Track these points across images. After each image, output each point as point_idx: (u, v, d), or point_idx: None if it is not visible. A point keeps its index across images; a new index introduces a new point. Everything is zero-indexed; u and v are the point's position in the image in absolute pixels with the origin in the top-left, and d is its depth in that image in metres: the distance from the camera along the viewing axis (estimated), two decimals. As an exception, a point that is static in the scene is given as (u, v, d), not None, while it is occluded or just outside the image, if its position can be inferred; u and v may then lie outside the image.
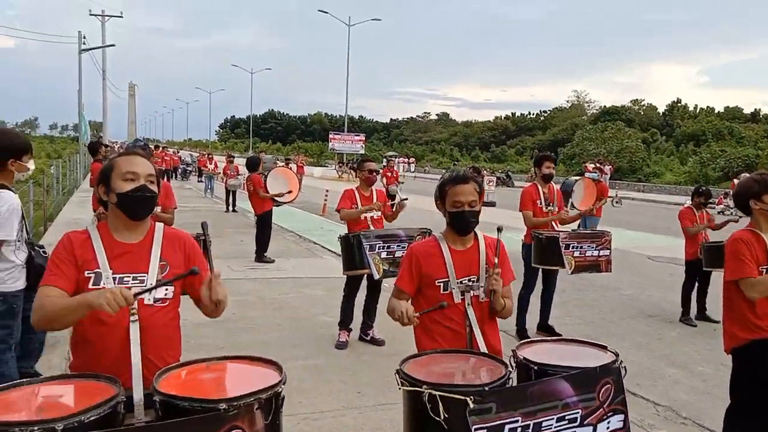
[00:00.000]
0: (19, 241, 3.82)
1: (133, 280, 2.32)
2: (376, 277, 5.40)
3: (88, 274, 2.27)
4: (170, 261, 2.41)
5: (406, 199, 6.18)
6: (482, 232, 2.99)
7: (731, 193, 25.78)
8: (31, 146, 3.85)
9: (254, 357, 2.32)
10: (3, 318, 3.82)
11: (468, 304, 2.82)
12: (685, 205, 7.80)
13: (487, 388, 2.17)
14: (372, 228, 5.93)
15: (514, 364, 2.53)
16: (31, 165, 3.84)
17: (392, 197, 17.49)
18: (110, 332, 2.26)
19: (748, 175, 3.90)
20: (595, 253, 6.08)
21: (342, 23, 45.42)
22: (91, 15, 38.50)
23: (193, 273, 2.28)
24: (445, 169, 42.92)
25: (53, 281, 2.25)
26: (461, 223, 2.85)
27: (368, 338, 5.97)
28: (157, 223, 2.49)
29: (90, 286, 2.26)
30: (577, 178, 7.88)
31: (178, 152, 41.83)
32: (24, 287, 3.89)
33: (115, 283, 2.28)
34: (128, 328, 2.25)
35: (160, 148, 32.81)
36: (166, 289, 2.38)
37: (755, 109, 61.73)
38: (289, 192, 10.04)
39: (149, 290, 2.29)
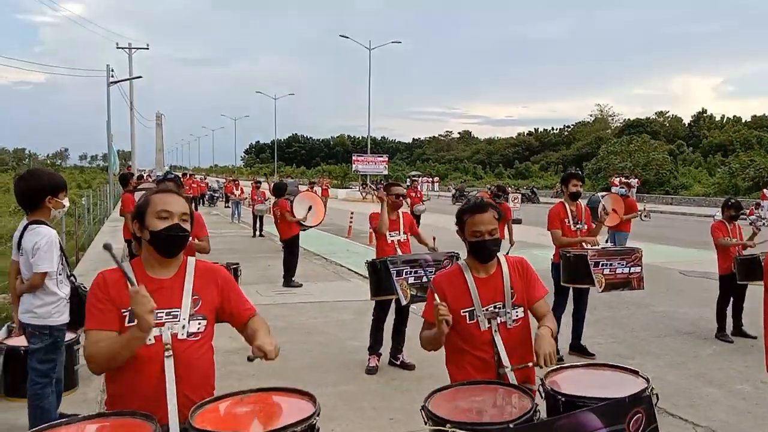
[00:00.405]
0: (60, 274, 3.93)
1: (166, 315, 2.34)
2: (404, 302, 5.40)
3: (124, 312, 2.30)
4: (202, 295, 2.43)
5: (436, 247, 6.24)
6: (504, 255, 2.98)
7: (762, 203, 25.28)
8: (65, 184, 3.97)
9: (288, 388, 2.33)
10: (48, 352, 3.90)
11: (495, 332, 2.78)
12: (716, 219, 7.66)
13: (511, 425, 2.13)
14: (399, 252, 5.96)
15: (543, 393, 2.50)
16: (66, 202, 3.96)
17: (417, 218, 17.44)
18: (145, 368, 2.28)
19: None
20: (626, 270, 5.95)
21: (363, 47, 45.92)
22: (118, 48, 39.52)
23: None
24: (456, 189, 42.68)
25: (99, 324, 2.28)
26: (483, 252, 2.84)
27: (398, 363, 5.95)
28: (189, 257, 2.53)
29: (126, 324, 2.30)
30: (604, 194, 7.80)
31: (205, 179, 42.43)
32: (68, 321, 3.98)
33: None
34: (163, 364, 2.28)
35: (188, 176, 33.33)
36: (199, 322, 2.40)
37: (784, 117, 60.71)
38: (316, 215, 10.13)
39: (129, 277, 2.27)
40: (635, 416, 2.24)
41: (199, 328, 2.40)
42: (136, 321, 2.14)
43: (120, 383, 2.33)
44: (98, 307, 2.30)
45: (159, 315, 2.33)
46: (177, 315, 2.36)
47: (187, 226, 2.42)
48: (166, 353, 2.29)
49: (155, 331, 2.31)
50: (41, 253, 3.73)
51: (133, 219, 2.45)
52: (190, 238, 2.53)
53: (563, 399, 2.41)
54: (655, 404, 2.35)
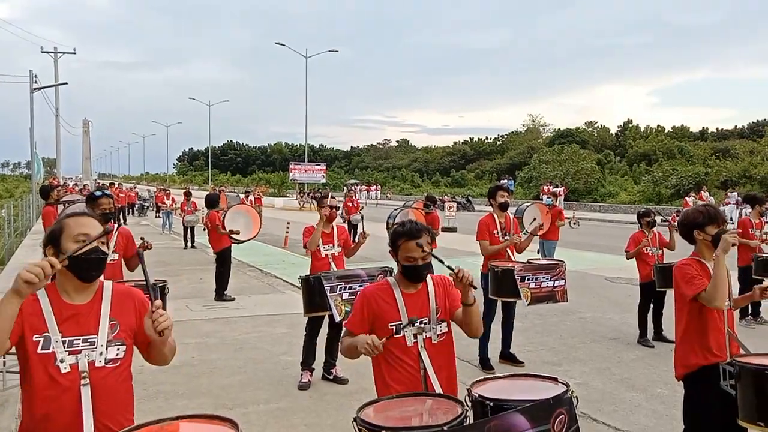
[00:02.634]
0: None
1: (83, 342, 2.27)
2: (338, 318, 5.37)
3: (36, 338, 2.22)
4: (120, 320, 2.37)
5: (367, 234, 6.19)
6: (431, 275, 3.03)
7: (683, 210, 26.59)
8: None
9: (209, 415, 2.28)
10: None
11: (421, 347, 2.85)
12: (638, 230, 8.02)
13: (446, 428, 2.20)
14: (333, 266, 5.94)
15: (469, 403, 2.56)
16: None
17: (354, 227, 17.41)
18: (62, 397, 2.21)
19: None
20: (551, 283, 6.16)
21: (300, 55, 45.66)
22: (43, 52, 37.98)
23: (106, 232, 2.31)
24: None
25: None
26: (415, 275, 2.92)
27: (331, 377, 5.92)
28: (105, 281, 2.45)
29: (39, 351, 2.22)
30: (529, 204, 8.06)
31: (134, 188, 41.14)
32: None
33: (64, 347, 2.24)
34: (80, 393, 2.21)
35: (115, 185, 32.23)
36: (118, 348, 2.34)
37: (703, 128, 64.04)
38: (251, 229, 9.96)
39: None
40: (559, 416, 2.36)
41: (117, 354, 2.34)
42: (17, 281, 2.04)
43: (35, 412, 2.24)
44: None
45: (75, 342, 2.27)
46: (94, 342, 2.29)
47: (105, 248, 2.36)
48: (83, 381, 2.23)
49: (71, 359, 2.24)
50: None
51: (47, 245, 2.36)
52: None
53: (491, 404, 2.51)
54: (576, 406, 2.48)
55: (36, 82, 30.48)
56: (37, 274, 2.01)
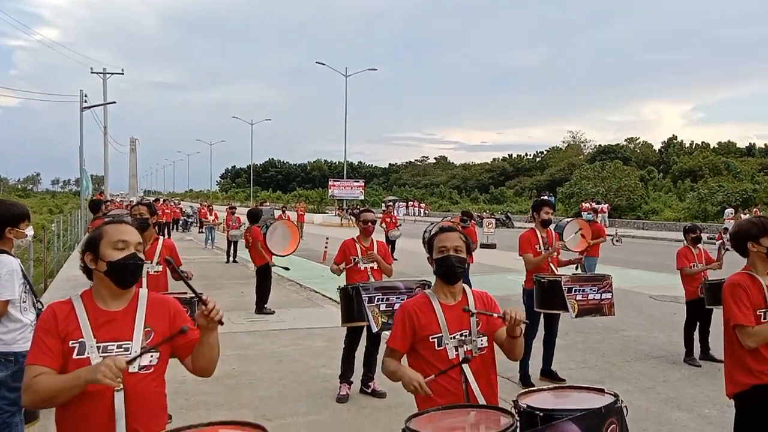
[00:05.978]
0: (25, 301, 3.89)
1: (117, 348, 2.32)
2: (375, 329, 5.37)
3: (72, 344, 2.28)
4: (155, 327, 2.41)
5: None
6: (472, 288, 3.02)
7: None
8: (28, 214, 3.95)
9: (242, 422, 2.27)
10: (15, 380, 3.82)
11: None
12: (683, 245, 7.81)
13: None
14: (372, 279, 5.95)
15: (517, 413, 2.53)
16: (30, 231, 3.93)
17: (392, 243, 17.36)
18: (95, 402, 2.25)
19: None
20: (597, 296, 6.03)
21: (340, 74, 46.18)
22: (93, 73, 39.30)
23: (183, 332, 2.31)
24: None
25: (40, 360, 2.25)
26: (448, 267, 2.89)
27: (369, 390, 5.91)
28: (140, 289, 2.51)
29: (74, 356, 2.27)
30: (569, 219, 7.91)
31: (179, 204, 42.02)
32: None
33: (99, 353, 2.29)
34: (113, 398, 2.24)
35: (161, 201, 33.00)
36: (152, 355, 2.38)
37: (750, 143, 62.36)
38: (289, 244, 10.01)
39: (140, 356, 2.28)
40: (611, 426, 2.34)
41: (151, 361, 2.38)
42: (95, 375, 2.07)
43: (70, 418, 2.29)
44: (44, 341, 2.27)
45: (110, 348, 2.32)
46: (128, 348, 2.34)
47: (142, 255, 2.43)
48: (117, 387, 2.26)
49: None
50: (2, 281, 3.71)
51: (85, 251, 2.42)
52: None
53: (541, 414, 2.48)
54: (625, 416, 2.45)
55: (85, 102, 31.54)
56: (112, 380, 2.06)
